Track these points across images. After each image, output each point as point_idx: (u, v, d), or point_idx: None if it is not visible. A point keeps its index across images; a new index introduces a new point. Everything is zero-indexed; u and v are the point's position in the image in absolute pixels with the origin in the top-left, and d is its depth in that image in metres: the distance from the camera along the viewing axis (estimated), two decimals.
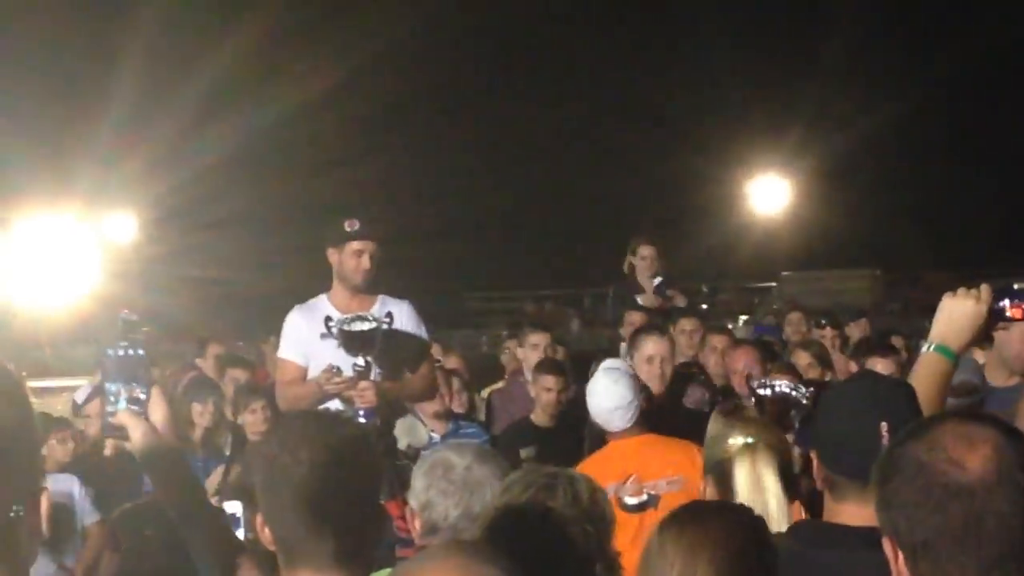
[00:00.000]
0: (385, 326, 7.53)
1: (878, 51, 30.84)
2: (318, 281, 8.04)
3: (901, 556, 2.71)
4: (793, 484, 4.87)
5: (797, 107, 28.91)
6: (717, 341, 10.01)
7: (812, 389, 6.57)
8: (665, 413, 7.74)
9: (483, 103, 30.17)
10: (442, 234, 28.55)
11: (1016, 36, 28.44)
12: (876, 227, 29.21)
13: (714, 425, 5.11)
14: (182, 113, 25.89)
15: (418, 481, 4.34)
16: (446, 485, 4.27)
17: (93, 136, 24.40)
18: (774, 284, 26.34)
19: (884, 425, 3.73)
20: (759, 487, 4.73)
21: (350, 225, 7.78)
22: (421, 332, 7.96)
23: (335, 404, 7.42)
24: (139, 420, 3.84)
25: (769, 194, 29.22)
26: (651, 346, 8.15)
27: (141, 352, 3.90)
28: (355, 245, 7.75)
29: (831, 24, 29.12)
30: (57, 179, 22.28)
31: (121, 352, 3.96)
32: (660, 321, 9.97)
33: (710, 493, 4.85)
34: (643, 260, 11.23)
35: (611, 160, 28.75)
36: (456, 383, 10.01)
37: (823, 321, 11.84)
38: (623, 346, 9.48)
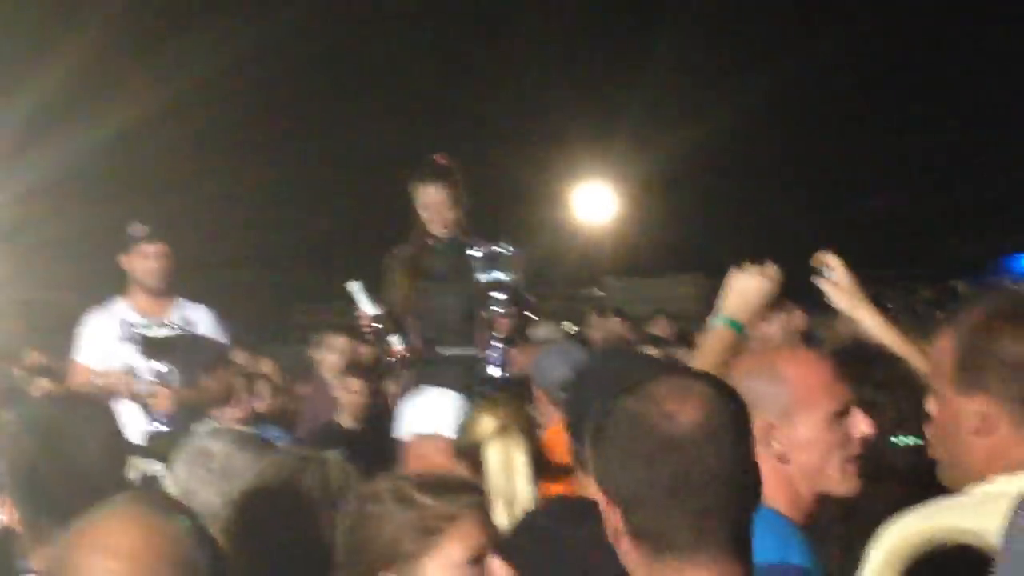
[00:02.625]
0: (187, 333, 7.54)
1: (709, 56, 30.99)
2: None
3: (616, 510, 2.74)
4: (543, 465, 4.98)
5: (624, 113, 28.92)
6: None
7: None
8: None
9: (305, 122, 29.96)
10: (270, 254, 28.36)
11: (853, 49, 28.85)
12: (702, 233, 29.41)
13: None
14: (6, 134, 25.49)
15: (179, 470, 4.36)
16: (205, 473, 4.30)
17: None
18: (599, 291, 26.44)
19: None
20: (510, 470, 4.82)
21: (136, 230, 7.80)
22: (221, 336, 7.98)
23: (134, 410, 7.40)
24: None
25: (594, 201, 29.29)
26: (432, 193, 8.07)
27: None
28: (144, 248, 7.78)
29: (660, 27, 29.19)
30: None
31: None
32: None
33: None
34: None
35: None
36: (266, 387, 9.99)
37: (612, 313, 12.06)
38: None
